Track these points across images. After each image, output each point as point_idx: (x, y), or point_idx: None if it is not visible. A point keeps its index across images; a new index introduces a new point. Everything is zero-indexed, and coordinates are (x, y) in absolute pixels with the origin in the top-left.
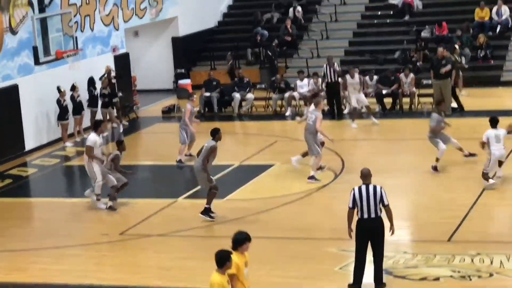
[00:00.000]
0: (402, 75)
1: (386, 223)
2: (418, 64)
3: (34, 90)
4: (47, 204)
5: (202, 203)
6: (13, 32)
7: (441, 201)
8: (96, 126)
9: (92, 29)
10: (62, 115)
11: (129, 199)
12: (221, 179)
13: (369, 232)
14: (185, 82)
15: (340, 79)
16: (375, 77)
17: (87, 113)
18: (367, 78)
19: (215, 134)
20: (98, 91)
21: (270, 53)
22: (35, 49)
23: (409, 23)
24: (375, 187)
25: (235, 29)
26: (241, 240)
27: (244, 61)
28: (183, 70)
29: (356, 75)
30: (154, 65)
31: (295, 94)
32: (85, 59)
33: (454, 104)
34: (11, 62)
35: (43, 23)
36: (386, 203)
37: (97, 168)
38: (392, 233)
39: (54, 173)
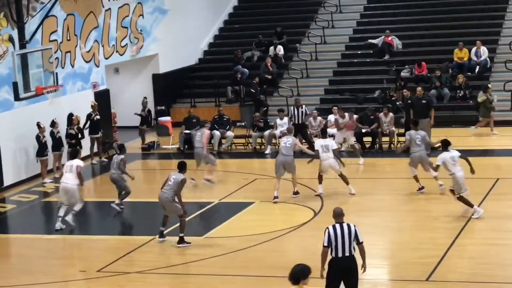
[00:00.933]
0: (381, 115)
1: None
2: (397, 103)
3: (14, 126)
4: (25, 240)
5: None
6: None
7: (420, 240)
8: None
9: (72, 66)
10: (42, 151)
11: (107, 236)
12: (201, 216)
13: (344, 271)
14: (165, 119)
15: (311, 120)
16: (355, 116)
17: (66, 149)
18: (346, 117)
19: (183, 167)
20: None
21: (252, 90)
22: (15, 85)
23: (389, 63)
24: (349, 225)
25: (216, 67)
26: (303, 273)
27: (224, 98)
28: (163, 107)
29: (318, 118)
30: (134, 102)
31: (276, 132)
32: (65, 95)
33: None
34: None
35: (24, 59)
36: (361, 240)
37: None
38: (364, 270)
39: (33, 209)
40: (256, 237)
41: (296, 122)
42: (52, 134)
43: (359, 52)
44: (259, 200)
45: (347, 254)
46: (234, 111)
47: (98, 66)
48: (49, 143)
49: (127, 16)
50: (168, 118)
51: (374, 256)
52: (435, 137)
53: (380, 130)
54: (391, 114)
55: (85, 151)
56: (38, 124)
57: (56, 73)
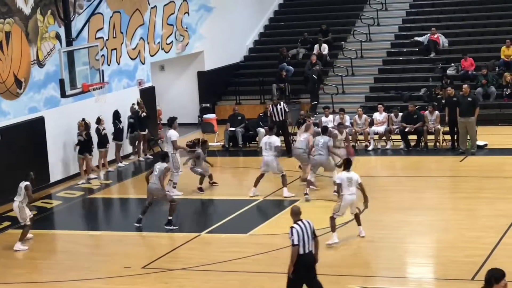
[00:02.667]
0: (427, 113)
1: None
2: (443, 101)
3: (60, 122)
4: (70, 236)
5: (227, 237)
6: (40, 65)
7: (465, 239)
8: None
9: (118, 63)
10: (85, 148)
11: (152, 232)
12: (245, 214)
13: (308, 267)
14: (210, 116)
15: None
16: (400, 114)
17: (112, 146)
18: (392, 115)
19: (165, 157)
20: (123, 124)
21: (315, 76)
22: (61, 82)
23: (435, 60)
24: (308, 222)
25: (261, 64)
26: (499, 277)
27: (269, 96)
28: (208, 105)
29: (363, 116)
30: (179, 99)
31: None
32: (111, 93)
33: (480, 142)
34: (37, 94)
35: (70, 56)
36: (316, 234)
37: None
38: (316, 262)
39: (78, 206)
40: None
41: (276, 119)
42: (97, 131)
43: (405, 49)
44: (303, 198)
45: (310, 249)
46: None
47: (143, 64)
48: (95, 140)
49: (173, 13)
50: (213, 116)
51: (420, 254)
52: (481, 136)
53: (425, 128)
54: (436, 112)
55: (130, 148)
56: (84, 121)
57: (102, 70)
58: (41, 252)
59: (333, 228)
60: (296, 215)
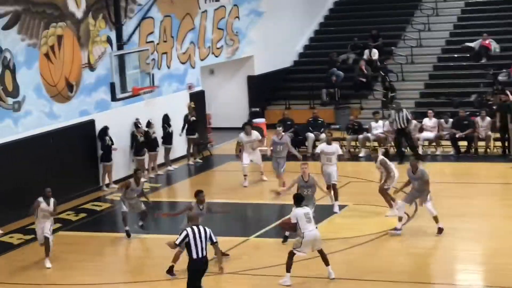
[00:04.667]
0: (478, 119)
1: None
2: (494, 107)
3: (110, 125)
4: (119, 239)
5: (275, 241)
6: (92, 68)
7: None
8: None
9: (168, 67)
10: (138, 151)
11: None
12: None
13: (201, 272)
14: (260, 121)
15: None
16: (450, 120)
17: (161, 149)
18: (442, 120)
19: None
20: (172, 128)
21: (383, 73)
22: (112, 85)
23: (486, 66)
24: (205, 228)
25: (311, 69)
26: None
27: (318, 101)
28: (257, 109)
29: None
30: (229, 103)
31: (369, 135)
32: (160, 96)
33: None
34: (88, 98)
35: (121, 60)
36: (215, 240)
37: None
38: (221, 270)
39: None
40: (348, 240)
41: (399, 126)
42: (147, 134)
43: (456, 55)
44: (352, 203)
45: (204, 255)
46: (328, 114)
47: (193, 68)
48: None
49: (223, 18)
50: (262, 120)
51: (469, 261)
52: None
53: (476, 135)
54: (488, 118)
55: (181, 151)
56: (135, 123)
57: (153, 74)
58: (91, 255)
59: (288, 267)
60: (192, 220)
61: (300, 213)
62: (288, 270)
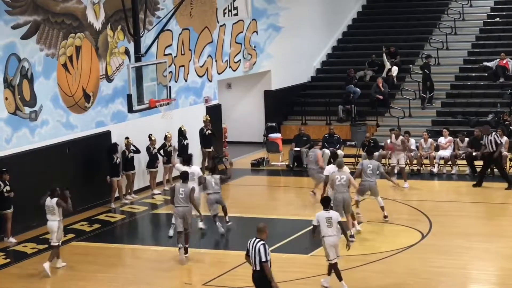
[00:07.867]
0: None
1: None
2: (511, 127)
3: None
4: (132, 250)
5: (288, 257)
6: (109, 79)
7: None
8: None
9: (186, 80)
10: (152, 163)
11: (214, 250)
12: (306, 235)
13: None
14: (276, 136)
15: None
16: (466, 139)
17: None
18: (457, 139)
19: (186, 177)
20: (187, 141)
21: (426, 71)
22: (129, 97)
23: (504, 86)
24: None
25: (328, 85)
26: None
27: (335, 117)
28: (274, 124)
29: (429, 140)
30: (245, 118)
31: (385, 152)
32: (177, 109)
33: None
34: (105, 109)
35: (138, 71)
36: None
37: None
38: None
39: (141, 220)
40: (361, 257)
41: (490, 149)
42: (164, 147)
43: (473, 74)
44: (366, 220)
45: (254, 268)
46: (344, 130)
47: (211, 81)
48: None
49: (241, 32)
50: (278, 135)
51: (484, 282)
52: None
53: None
54: (505, 137)
55: (196, 164)
56: (149, 136)
57: (170, 87)
58: (103, 266)
59: (338, 276)
60: (260, 232)
61: (322, 216)
62: (339, 279)
